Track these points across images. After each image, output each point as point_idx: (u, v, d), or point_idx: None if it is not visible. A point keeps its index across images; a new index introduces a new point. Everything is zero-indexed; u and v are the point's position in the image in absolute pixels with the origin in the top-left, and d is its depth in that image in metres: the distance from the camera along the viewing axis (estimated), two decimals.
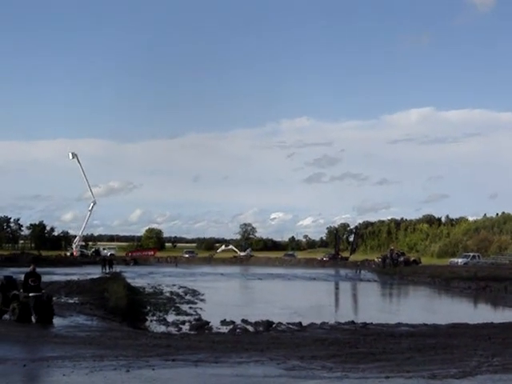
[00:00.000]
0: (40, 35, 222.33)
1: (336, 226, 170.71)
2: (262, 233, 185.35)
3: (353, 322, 29.40)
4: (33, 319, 23.17)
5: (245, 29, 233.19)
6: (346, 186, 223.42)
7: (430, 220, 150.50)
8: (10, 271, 49.95)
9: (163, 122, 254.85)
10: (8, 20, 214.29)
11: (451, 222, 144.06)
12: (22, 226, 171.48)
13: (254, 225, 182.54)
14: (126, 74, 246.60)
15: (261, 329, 27.98)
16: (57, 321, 23.96)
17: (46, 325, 22.94)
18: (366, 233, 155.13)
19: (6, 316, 24.27)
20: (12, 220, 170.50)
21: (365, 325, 28.02)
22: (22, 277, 24.83)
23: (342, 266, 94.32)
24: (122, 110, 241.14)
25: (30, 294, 23.24)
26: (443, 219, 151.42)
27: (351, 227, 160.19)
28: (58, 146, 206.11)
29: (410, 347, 18.70)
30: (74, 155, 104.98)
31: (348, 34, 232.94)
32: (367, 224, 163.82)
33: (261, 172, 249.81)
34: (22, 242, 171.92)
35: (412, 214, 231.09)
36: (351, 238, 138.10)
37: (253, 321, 30.06)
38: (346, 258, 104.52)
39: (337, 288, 61.52)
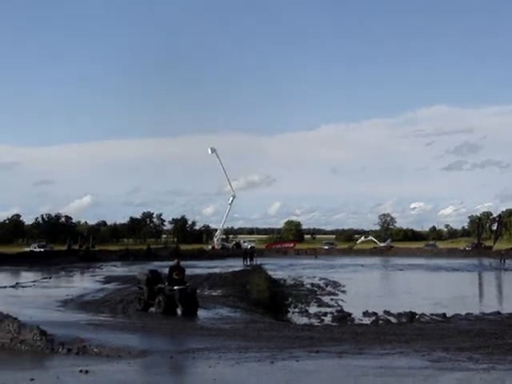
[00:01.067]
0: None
1: (478, 214, 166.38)
2: (401, 223, 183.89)
3: (498, 313, 28.61)
4: (178, 312, 23.75)
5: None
6: (488, 174, 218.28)
7: None
8: (153, 265, 51.38)
9: (299, 115, 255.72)
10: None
11: None
12: (164, 220, 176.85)
13: (393, 215, 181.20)
14: (263, 68, 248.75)
15: (404, 320, 27.59)
16: (201, 313, 24.48)
17: (191, 317, 23.47)
18: (510, 221, 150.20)
19: (152, 309, 25.00)
20: (154, 215, 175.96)
21: (511, 315, 27.19)
22: (167, 270, 25.47)
23: (486, 255, 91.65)
24: (260, 104, 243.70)
25: (175, 287, 23.83)
26: None
27: (494, 215, 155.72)
28: (197, 141, 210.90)
29: None
30: (213, 150, 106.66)
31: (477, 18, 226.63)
32: (511, 212, 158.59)
33: (399, 161, 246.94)
34: (164, 236, 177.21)
35: None
36: (494, 227, 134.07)
37: (395, 312, 29.71)
38: (490, 248, 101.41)
39: (480, 278, 59.80)
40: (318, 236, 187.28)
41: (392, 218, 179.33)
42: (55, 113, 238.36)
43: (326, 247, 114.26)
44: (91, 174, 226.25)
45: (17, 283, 41.70)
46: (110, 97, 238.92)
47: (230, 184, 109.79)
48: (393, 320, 27.90)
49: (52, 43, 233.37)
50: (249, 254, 74.62)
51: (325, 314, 30.42)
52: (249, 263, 69.59)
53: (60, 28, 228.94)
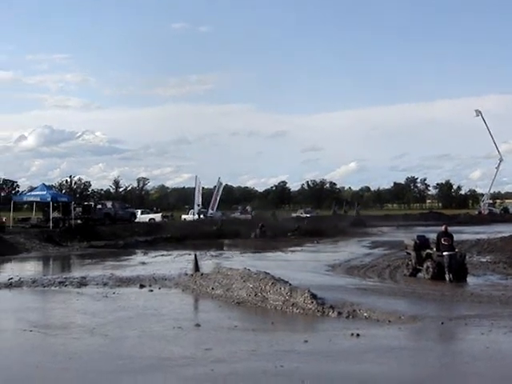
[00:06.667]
0: None
1: None
2: None
3: None
4: (447, 278, 23.36)
5: None
6: None
7: None
8: (419, 230, 50.89)
9: None
10: None
11: None
12: (428, 185, 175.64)
13: None
14: None
15: None
16: (470, 279, 23.90)
17: (460, 283, 23.01)
18: None
19: (420, 274, 24.85)
20: (419, 180, 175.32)
21: None
22: (434, 236, 25.17)
23: None
24: None
25: (444, 253, 23.47)
26: None
27: None
28: (462, 104, 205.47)
29: None
30: (478, 112, 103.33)
31: None
32: None
33: None
34: (429, 201, 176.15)
35: None
36: None
37: None
38: None
39: None
40: None
41: None
42: (322, 82, 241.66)
43: None
44: (359, 140, 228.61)
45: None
46: (372, 64, 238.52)
47: (496, 147, 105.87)
48: None
49: None
50: None
51: None
52: None
53: None
